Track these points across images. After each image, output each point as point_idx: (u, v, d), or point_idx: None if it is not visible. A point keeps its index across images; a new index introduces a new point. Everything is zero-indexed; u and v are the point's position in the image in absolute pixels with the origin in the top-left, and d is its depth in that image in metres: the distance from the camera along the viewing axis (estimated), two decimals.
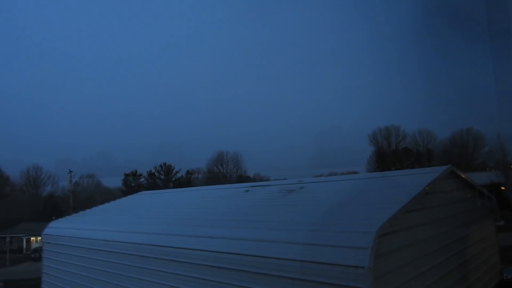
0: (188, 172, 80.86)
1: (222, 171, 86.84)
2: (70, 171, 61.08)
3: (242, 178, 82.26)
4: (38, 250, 39.86)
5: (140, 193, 18.82)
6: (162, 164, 78.70)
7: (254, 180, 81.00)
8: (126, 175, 76.35)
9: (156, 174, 78.01)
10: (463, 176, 10.12)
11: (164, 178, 77.80)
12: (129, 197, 17.86)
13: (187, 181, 75.95)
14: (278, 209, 8.19)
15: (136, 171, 77.56)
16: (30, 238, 57.39)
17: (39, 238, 50.53)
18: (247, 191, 11.02)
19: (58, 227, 13.54)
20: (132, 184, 74.99)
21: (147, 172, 78.11)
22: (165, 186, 70.86)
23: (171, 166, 79.26)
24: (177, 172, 79.40)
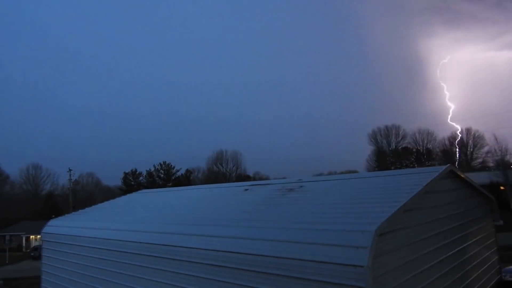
0: (187, 171, 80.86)
1: (222, 170, 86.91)
2: (70, 170, 61.07)
3: (242, 177, 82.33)
4: (38, 249, 39.88)
5: (140, 191, 18.83)
6: (162, 163, 78.68)
7: (253, 179, 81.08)
8: (125, 173, 76.33)
9: (156, 173, 77.98)
10: (462, 175, 10.14)
11: (164, 177, 77.77)
12: (129, 195, 17.88)
13: (186, 180, 75.97)
14: (277, 208, 8.20)
15: (136, 170, 77.54)
16: (29, 237, 57.41)
17: (38, 236, 50.50)
18: (247, 190, 11.03)
19: (57, 226, 13.55)
20: (132, 182, 74.98)
21: (147, 171, 78.09)
22: (165, 185, 70.88)
23: (171, 165, 79.22)
24: (177, 171, 79.41)
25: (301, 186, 9.69)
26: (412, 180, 8.01)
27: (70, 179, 60.76)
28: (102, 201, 18.10)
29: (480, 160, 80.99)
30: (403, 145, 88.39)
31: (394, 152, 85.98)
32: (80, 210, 15.86)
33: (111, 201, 16.82)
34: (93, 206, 16.16)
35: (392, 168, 75.59)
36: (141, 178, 77.50)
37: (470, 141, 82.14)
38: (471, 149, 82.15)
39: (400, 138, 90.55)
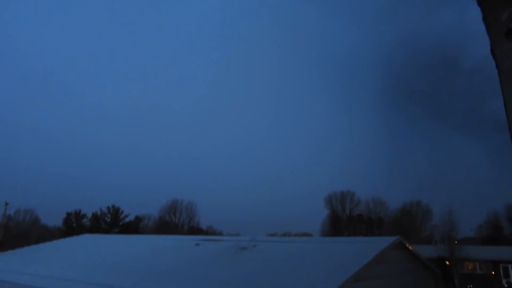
0: (137, 218, 76.89)
1: (174, 221, 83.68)
2: (6, 204, 56.20)
3: (194, 230, 79.54)
4: None
5: (84, 235, 17.53)
6: (110, 207, 74.50)
7: (206, 232, 78.51)
8: (68, 214, 71.15)
9: (102, 216, 73.54)
10: (410, 248, 10.41)
11: (110, 221, 73.39)
12: (71, 238, 16.55)
13: (135, 227, 72.06)
14: (229, 266, 7.89)
15: (80, 211, 72.52)
16: None
17: None
18: (198, 244, 10.61)
19: None
20: (74, 224, 69.85)
21: (92, 213, 73.41)
22: (110, 230, 66.69)
23: (120, 209, 75.17)
24: (126, 216, 75.28)
25: (255, 246, 9.48)
26: (363, 249, 8.10)
27: (4, 214, 55.72)
28: (37, 241, 16.62)
29: (427, 233, 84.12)
30: (357, 212, 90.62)
31: (348, 218, 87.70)
32: (9, 251, 14.39)
33: (49, 243, 15.48)
34: (27, 248, 14.74)
35: (346, 233, 76.58)
36: (84, 220, 72.54)
37: (419, 214, 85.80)
38: (420, 222, 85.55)
39: (354, 204, 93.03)
